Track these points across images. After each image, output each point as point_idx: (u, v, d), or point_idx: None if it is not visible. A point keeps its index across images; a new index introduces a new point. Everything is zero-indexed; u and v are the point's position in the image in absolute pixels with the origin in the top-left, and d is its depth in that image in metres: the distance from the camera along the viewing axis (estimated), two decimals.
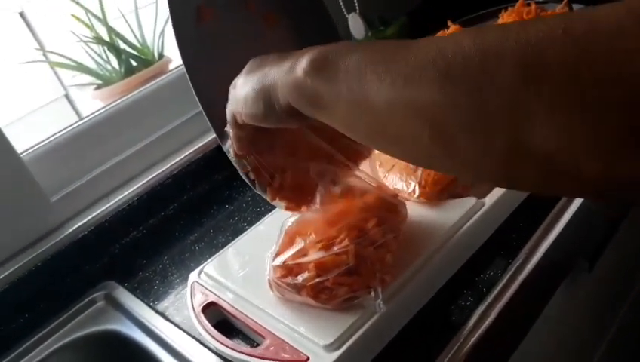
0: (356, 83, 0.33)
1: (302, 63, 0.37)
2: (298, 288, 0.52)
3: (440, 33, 0.84)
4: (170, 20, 0.55)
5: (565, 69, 0.23)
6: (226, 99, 0.49)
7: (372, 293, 0.50)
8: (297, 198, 0.57)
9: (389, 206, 0.57)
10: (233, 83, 0.47)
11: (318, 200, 0.55)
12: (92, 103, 1.13)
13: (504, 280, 0.55)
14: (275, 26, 0.63)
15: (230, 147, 0.52)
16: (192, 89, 0.55)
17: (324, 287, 0.51)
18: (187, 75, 0.55)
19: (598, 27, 0.23)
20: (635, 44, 0.22)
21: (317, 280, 0.51)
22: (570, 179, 0.26)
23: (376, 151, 0.71)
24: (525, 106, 0.25)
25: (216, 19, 0.59)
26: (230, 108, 0.48)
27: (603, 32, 0.23)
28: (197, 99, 0.55)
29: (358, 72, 0.33)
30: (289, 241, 0.55)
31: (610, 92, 0.22)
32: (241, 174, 0.55)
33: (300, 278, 0.51)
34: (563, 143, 0.24)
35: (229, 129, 0.50)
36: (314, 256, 0.52)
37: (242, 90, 0.44)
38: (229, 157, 0.54)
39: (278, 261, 0.54)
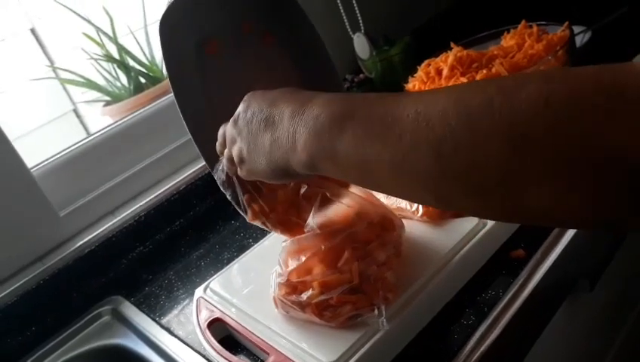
0: (358, 152, 0.35)
1: (304, 135, 0.39)
2: (302, 306, 0.53)
3: (443, 54, 0.86)
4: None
5: (550, 144, 0.26)
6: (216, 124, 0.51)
7: (375, 311, 0.51)
8: (288, 224, 0.59)
9: (385, 222, 0.58)
10: (232, 121, 0.48)
11: (311, 221, 0.56)
12: (100, 119, 1.15)
13: (505, 300, 0.55)
14: (272, 46, 0.65)
15: (219, 172, 0.55)
16: (181, 115, 0.58)
17: (328, 305, 0.52)
18: (176, 103, 0.57)
19: (577, 101, 0.25)
20: (605, 117, 0.24)
21: (321, 298, 0.52)
22: (567, 224, 0.29)
23: None
24: (517, 177, 0.27)
25: (220, 50, 0.61)
26: (230, 153, 0.50)
27: (579, 106, 0.25)
28: (185, 124, 0.58)
29: (360, 143, 0.35)
30: (292, 259, 0.56)
31: (591, 160, 0.25)
32: (229, 197, 0.58)
33: (304, 296, 0.52)
34: (556, 203, 0.27)
35: (222, 159, 0.53)
36: (318, 274, 0.53)
37: (247, 142, 0.46)
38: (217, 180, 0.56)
39: (282, 279, 0.55)
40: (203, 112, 0.58)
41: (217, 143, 0.53)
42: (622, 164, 0.24)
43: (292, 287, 0.54)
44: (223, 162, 0.54)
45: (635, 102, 0.24)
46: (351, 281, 0.52)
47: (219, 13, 0.62)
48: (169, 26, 0.57)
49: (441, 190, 0.32)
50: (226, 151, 0.51)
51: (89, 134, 0.98)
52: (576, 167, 0.25)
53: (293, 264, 0.55)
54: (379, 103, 0.35)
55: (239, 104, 0.48)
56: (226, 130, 0.49)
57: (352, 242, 0.55)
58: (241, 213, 0.59)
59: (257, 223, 0.59)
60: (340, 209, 0.58)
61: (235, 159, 0.48)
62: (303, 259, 0.54)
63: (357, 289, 0.52)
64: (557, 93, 0.26)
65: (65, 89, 1.32)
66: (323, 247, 0.54)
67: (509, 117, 0.27)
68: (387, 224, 0.58)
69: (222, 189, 0.57)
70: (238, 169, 0.49)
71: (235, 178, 0.56)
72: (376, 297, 0.52)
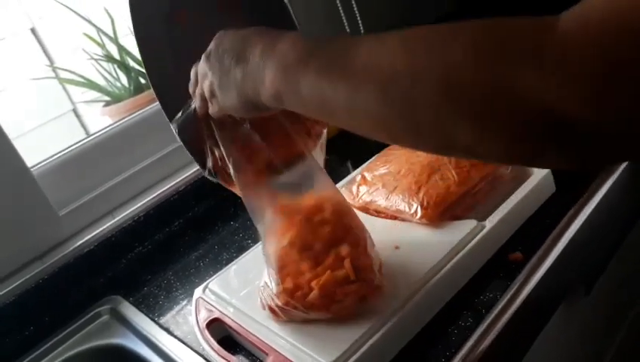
0: (318, 89, 0.38)
1: (272, 69, 0.42)
2: (307, 308, 0.54)
3: None
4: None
5: (475, 91, 0.30)
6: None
7: (381, 293, 0.54)
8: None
9: (342, 209, 0.59)
10: (205, 57, 0.49)
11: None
12: (99, 118, 1.15)
13: (503, 303, 0.56)
14: (237, 12, 0.62)
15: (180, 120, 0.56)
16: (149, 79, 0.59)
17: (332, 300, 0.54)
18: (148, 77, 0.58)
19: (502, 52, 0.29)
20: (522, 68, 0.28)
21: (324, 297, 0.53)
22: (488, 160, 0.35)
23: (378, 174, 0.73)
24: (447, 116, 0.31)
25: (187, 21, 0.61)
26: (201, 90, 0.51)
27: (504, 56, 0.28)
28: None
29: (319, 79, 0.38)
30: (279, 267, 0.56)
31: (509, 105, 0.28)
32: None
33: (308, 299, 0.53)
34: (478, 142, 0.31)
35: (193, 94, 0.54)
36: (310, 273, 0.55)
37: (218, 77, 0.47)
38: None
39: (278, 288, 0.55)
40: (169, 77, 0.59)
41: (190, 83, 0.55)
42: (533, 110, 0.27)
43: (289, 293, 0.54)
44: (193, 102, 0.54)
45: (550, 56, 0.27)
46: (347, 277, 0.54)
47: None
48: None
49: (388, 126, 0.36)
50: (197, 88, 0.52)
51: (88, 134, 0.99)
52: (496, 111, 0.29)
53: (282, 270, 0.56)
54: (340, 44, 0.38)
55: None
56: (198, 67, 0.51)
57: (329, 237, 0.56)
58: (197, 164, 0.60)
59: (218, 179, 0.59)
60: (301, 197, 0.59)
61: (207, 94, 0.50)
62: (291, 265, 0.56)
63: (355, 281, 0.54)
64: (485, 44, 0.29)
65: (65, 89, 1.32)
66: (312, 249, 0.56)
67: (444, 62, 0.31)
68: (345, 210, 0.59)
69: (178, 137, 0.58)
70: (209, 104, 0.51)
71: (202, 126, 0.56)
72: (373, 278, 0.54)
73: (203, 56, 0.50)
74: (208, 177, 0.59)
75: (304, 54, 0.40)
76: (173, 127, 0.58)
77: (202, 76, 0.50)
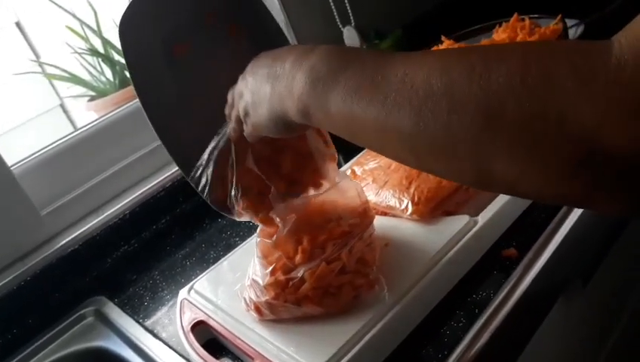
0: (347, 106, 0.36)
1: (300, 83, 0.40)
2: (299, 301, 0.52)
3: (434, 48, 0.84)
4: None
5: (520, 123, 0.27)
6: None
7: (376, 287, 0.52)
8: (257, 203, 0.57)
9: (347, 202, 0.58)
10: (240, 77, 0.49)
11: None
12: (88, 113, 1.13)
13: (497, 301, 0.54)
14: (239, 37, 0.63)
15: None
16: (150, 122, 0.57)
17: (326, 293, 0.52)
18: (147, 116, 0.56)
19: (550, 82, 0.26)
20: (574, 101, 0.26)
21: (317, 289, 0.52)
22: (529, 197, 0.31)
23: (368, 168, 0.71)
24: (486, 147, 0.29)
25: (190, 50, 0.59)
26: (237, 112, 0.51)
27: (552, 88, 0.26)
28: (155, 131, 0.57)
29: (349, 97, 0.36)
30: (268, 261, 0.55)
31: (555, 140, 0.26)
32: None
33: (300, 291, 0.52)
34: (519, 176, 0.29)
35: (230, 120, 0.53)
36: (304, 268, 0.52)
37: (251, 94, 0.47)
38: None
39: (268, 279, 0.53)
40: (174, 114, 0.57)
41: (226, 106, 0.54)
42: (583, 145, 0.25)
43: (280, 287, 0.52)
44: (229, 127, 0.54)
45: (604, 88, 0.25)
46: (342, 269, 0.52)
47: (181, 7, 0.59)
48: (131, 26, 0.55)
49: (418, 151, 0.34)
50: (233, 111, 0.52)
51: (76, 129, 0.96)
52: (541, 147, 0.27)
53: (272, 263, 0.54)
54: (372, 60, 0.36)
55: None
56: (235, 88, 0.50)
57: (328, 231, 0.55)
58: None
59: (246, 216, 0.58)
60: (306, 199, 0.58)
61: (241, 113, 0.49)
62: (281, 257, 0.54)
63: (349, 271, 0.53)
64: (533, 72, 0.27)
65: (51, 83, 1.29)
66: (305, 241, 0.54)
67: (486, 89, 0.28)
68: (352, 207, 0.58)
69: (196, 187, 0.57)
70: (244, 125, 0.50)
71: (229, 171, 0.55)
72: (369, 270, 0.53)
73: (240, 77, 0.49)
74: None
75: (334, 69, 0.38)
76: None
77: (238, 95, 0.50)
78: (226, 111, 0.54)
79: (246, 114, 0.49)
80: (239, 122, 0.51)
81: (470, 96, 0.29)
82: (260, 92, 0.45)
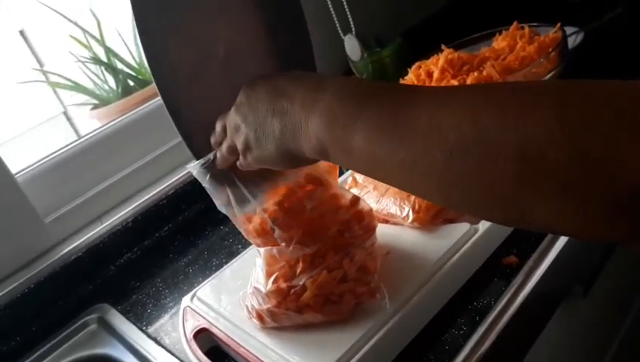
0: (370, 148, 0.36)
1: (315, 124, 0.39)
2: (300, 308, 0.52)
3: (434, 57, 0.84)
4: None
5: (560, 168, 0.26)
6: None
7: (377, 296, 0.52)
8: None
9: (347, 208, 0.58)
10: (235, 109, 0.47)
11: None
12: (91, 121, 1.13)
13: (498, 308, 0.54)
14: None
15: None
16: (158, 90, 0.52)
17: (327, 301, 0.52)
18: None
19: (590, 128, 0.25)
20: (616, 146, 0.25)
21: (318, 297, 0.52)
22: (570, 235, 0.31)
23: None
24: (522, 192, 0.28)
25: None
26: (231, 142, 0.48)
27: (592, 133, 0.25)
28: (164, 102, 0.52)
29: (371, 139, 0.35)
30: (271, 269, 0.55)
31: (597, 186, 0.26)
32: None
33: (302, 299, 0.52)
34: (557, 219, 0.28)
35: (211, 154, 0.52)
36: (306, 276, 0.53)
37: (254, 129, 0.45)
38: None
39: (270, 287, 0.53)
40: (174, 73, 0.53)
41: (216, 134, 0.52)
42: (626, 189, 0.25)
43: (282, 294, 0.53)
44: (220, 153, 0.51)
45: None
46: (344, 277, 0.53)
47: None
48: None
49: (449, 194, 0.33)
50: (226, 140, 0.50)
51: (79, 137, 0.97)
52: (582, 191, 0.26)
53: (274, 271, 0.54)
54: (389, 98, 0.35)
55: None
56: (228, 119, 0.48)
57: (331, 241, 0.55)
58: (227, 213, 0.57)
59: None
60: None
61: (240, 147, 0.48)
62: (284, 265, 0.54)
63: (350, 278, 0.53)
64: (571, 118, 0.26)
65: (55, 92, 1.30)
66: (307, 250, 0.54)
67: (522, 137, 0.27)
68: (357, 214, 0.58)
69: (207, 185, 0.54)
70: (242, 157, 0.49)
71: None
72: (371, 279, 0.53)
73: (233, 108, 0.47)
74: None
75: (352, 109, 0.37)
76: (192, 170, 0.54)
77: (234, 128, 0.48)
78: (212, 140, 0.52)
79: (247, 148, 0.47)
80: (233, 153, 0.49)
81: (505, 145, 0.28)
82: (266, 128, 0.43)
